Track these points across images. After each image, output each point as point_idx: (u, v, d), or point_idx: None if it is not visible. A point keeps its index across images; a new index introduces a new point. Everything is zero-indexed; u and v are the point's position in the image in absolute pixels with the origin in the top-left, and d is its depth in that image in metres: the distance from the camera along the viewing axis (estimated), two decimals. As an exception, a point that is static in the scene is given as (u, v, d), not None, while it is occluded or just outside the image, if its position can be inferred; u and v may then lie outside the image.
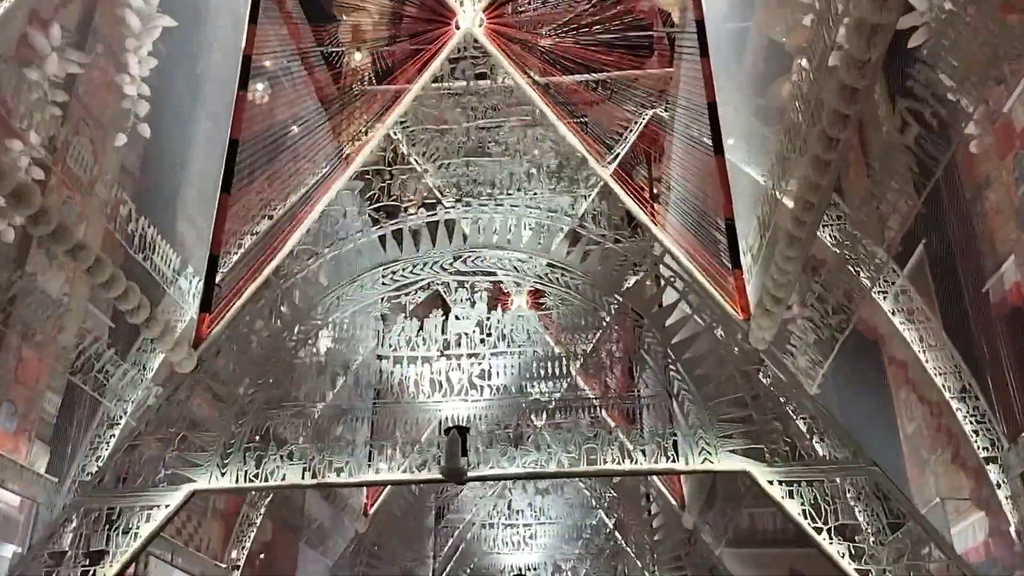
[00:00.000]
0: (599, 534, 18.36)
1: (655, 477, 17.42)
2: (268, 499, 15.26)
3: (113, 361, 9.90)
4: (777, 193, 8.96)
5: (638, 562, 17.30)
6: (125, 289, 9.06)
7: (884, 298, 11.08)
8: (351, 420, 9.84)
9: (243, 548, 15.22)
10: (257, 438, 9.72)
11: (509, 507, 17.93)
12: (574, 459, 9.35)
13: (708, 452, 9.19)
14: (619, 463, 9.29)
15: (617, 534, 18.10)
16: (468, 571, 18.77)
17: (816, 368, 9.80)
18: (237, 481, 9.48)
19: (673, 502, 17.17)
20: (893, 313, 11.03)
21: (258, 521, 15.47)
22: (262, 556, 16.28)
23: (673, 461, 9.25)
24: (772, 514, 15.43)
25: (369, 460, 9.49)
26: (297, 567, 17.19)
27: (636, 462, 9.30)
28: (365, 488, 12.23)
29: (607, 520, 18.07)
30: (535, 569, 18.50)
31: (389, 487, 12.34)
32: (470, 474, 9.27)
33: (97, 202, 9.11)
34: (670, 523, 17.09)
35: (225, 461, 9.55)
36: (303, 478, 9.44)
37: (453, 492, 17.12)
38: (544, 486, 17.80)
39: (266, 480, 9.45)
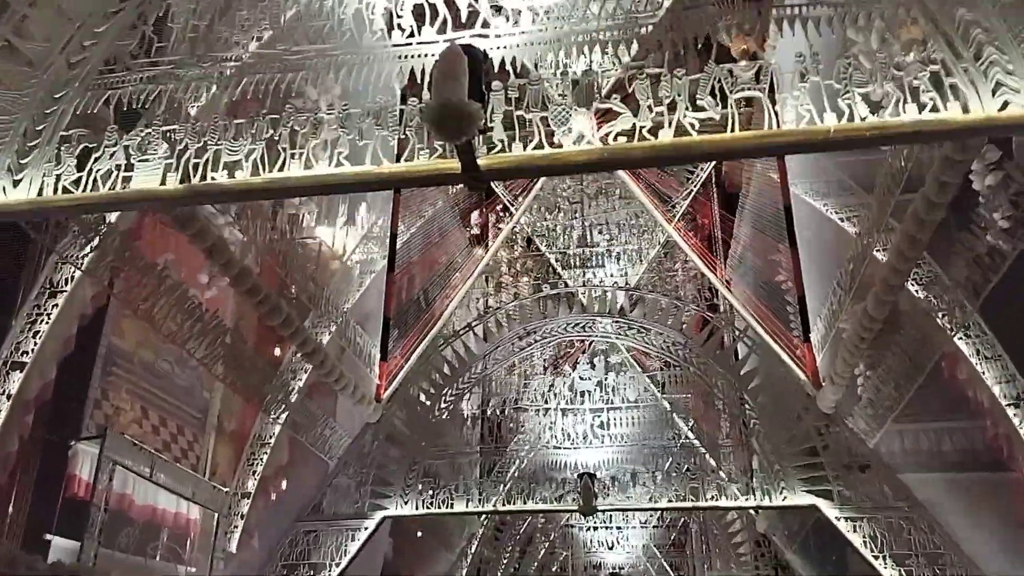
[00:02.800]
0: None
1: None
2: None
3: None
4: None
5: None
6: (340, 374, 12.03)
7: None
8: (502, 461, 12.65)
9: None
10: (430, 474, 12.58)
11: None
12: (679, 495, 11.97)
13: (787, 490, 11.70)
14: (716, 499, 11.87)
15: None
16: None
17: (876, 430, 12.17)
18: (417, 509, 12.39)
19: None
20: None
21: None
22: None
23: (759, 498, 11.78)
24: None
25: (518, 492, 12.28)
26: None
27: (729, 498, 11.86)
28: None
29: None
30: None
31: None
32: (599, 507, 12.00)
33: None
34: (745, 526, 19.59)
35: (406, 493, 12.46)
36: (467, 506, 12.31)
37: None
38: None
39: (439, 508, 12.33)
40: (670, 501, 11.97)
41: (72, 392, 12.74)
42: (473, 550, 19.51)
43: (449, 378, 13.21)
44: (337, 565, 12.10)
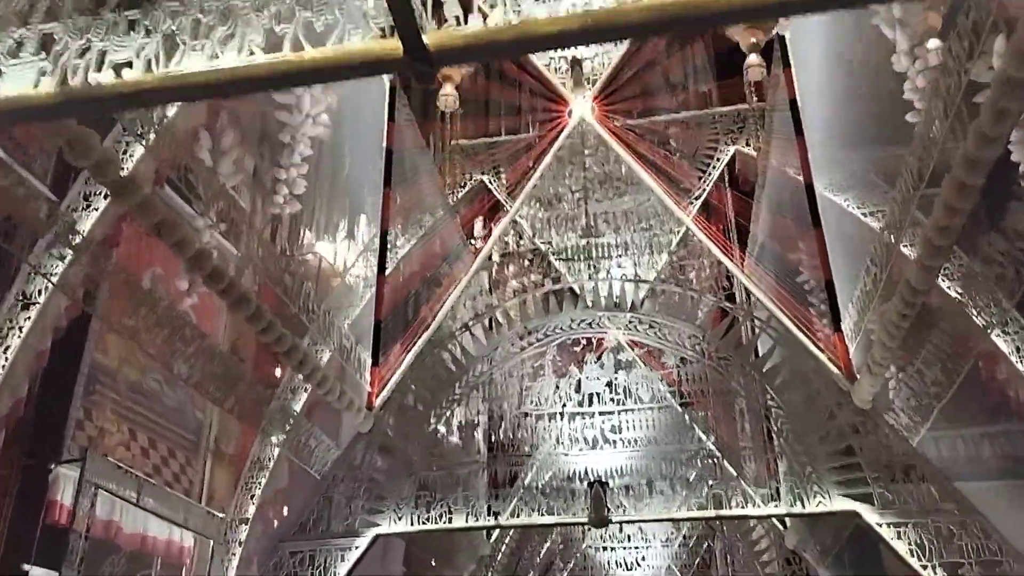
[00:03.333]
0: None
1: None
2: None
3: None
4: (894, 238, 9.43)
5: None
6: (339, 391, 11.04)
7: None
8: (504, 471, 11.53)
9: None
10: (427, 487, 11.49)
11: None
12: (701, 503, 10.80)
13: (822, 496, 10.49)
14: (742, 507, 10.68)
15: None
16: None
17: (921, 424, 10.97)
18: (412, 524, 11.27)
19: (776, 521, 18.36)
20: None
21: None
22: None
23: (791, 504, 10.58)
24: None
25: (524, 504, 11.15)
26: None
27: (757, 506, 10.67)
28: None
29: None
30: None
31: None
32: (612, 519, 10.82)
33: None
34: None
35: (400, 508, 11.35)
36: (467, 521, 11.17)
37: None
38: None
39: (436, 523, 11.21)
40: (690, 510, 10.80)
41: (53, 412, 11.98)
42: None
43: (445, 383, 12.16)
44: (326, 588, 11.00)
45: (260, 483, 14.99)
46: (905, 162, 8.47)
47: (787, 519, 18.00)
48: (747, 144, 15.05)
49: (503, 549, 19.22)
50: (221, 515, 14.69)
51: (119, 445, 13.74)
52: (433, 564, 19.17)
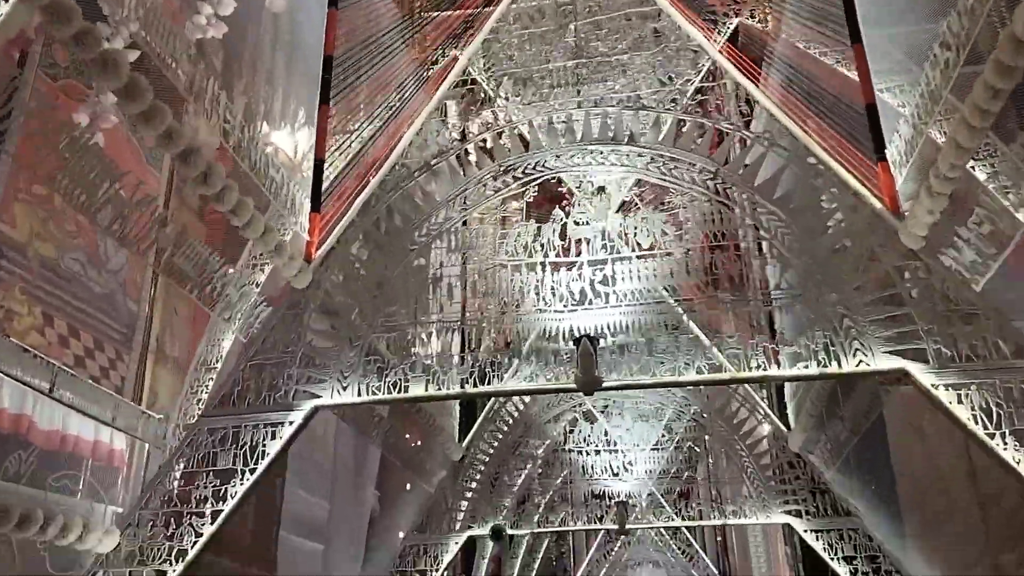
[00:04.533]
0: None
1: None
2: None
3: (227, 277, 9.62)
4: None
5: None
6: (239, 202, 8.69)
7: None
8: (471, 331, 9.40)
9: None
10: (377, 352, 9.38)
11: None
12: (715, 365, 8.76)
13: (864, 353, 8.48)
14: (765, 368, 8.66)
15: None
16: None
17: (987, 262, 8.91)
18: (360, 395, 9.17)
19: (778, 423, 16.59)
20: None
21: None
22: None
23: (825, 365, 8.57)
24: None
25: (494, 370, 9.07)
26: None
27: (784, 367, 8.66)
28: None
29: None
30: None
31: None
32: (604, 384, 8.77)
33: (203, 107, 8.62)
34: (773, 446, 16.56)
35: (346, 376, 9.24)
36: (426, 390, 9.09)
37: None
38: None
39: (389, 393, 9.11)
40: (699, 373, 8.76)
41: (-50, 287, 10.19)
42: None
43: (402, 231, 9.93)
44: (252, 471, 8.92)
45: (207, 386, 12.85)
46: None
47: (792, 418, 16.38)
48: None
49: (477, 455, 17.34)
50: (159, 416, 12.59)
51: (30, 330, 11.67)
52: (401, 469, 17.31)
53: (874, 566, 15.00)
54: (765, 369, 8.66)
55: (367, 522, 18.84)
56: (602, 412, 17.47)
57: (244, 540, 15.16)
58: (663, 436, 17.72)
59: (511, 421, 17.40)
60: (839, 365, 8.53)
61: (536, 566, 29.29)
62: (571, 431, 17.83)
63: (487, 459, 17.45)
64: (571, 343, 8.88)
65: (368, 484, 19.19)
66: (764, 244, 9.13)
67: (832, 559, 15.22)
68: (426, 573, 16.46)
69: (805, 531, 15.66)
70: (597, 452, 17.65)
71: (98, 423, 11.92)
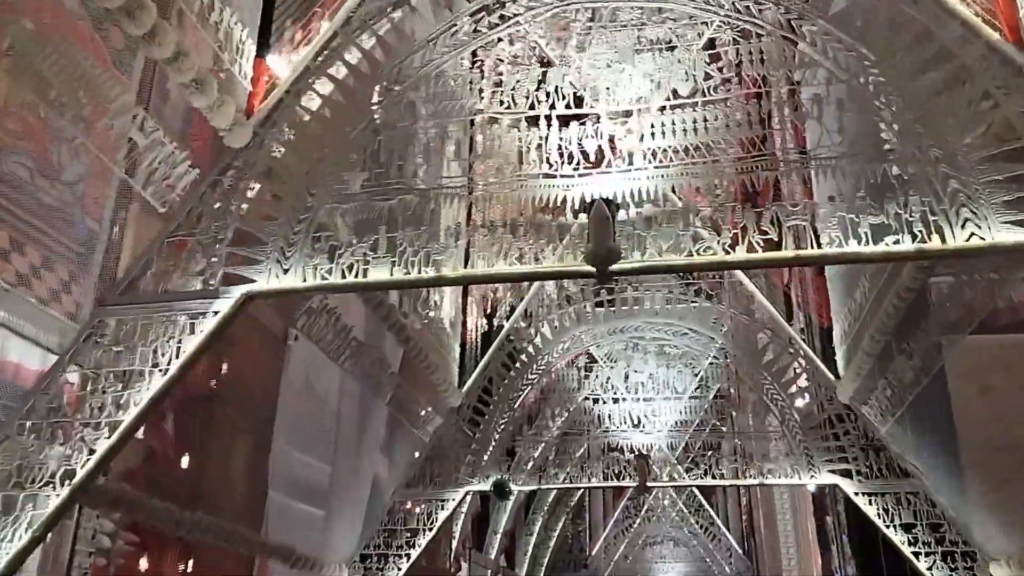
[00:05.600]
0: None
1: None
2: None
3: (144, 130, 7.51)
4: None
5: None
6: (154, 25, 6.57)
7: None
8: (453, 201, 7.23)
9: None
10: (328, 228, 7.26)
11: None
12: (772, 242, 6.52)
13: (976, 223, 6.19)
14: (841, 244, 6.39)
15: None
16: None
17: None
18: (304, 280, 7.04)
19: (824, 369, 14.32)
20: None
21: None
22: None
23: (923, 240, 6.30)
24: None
25: (483, 250, 6.91)
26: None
27: (863, 242, 6.39)
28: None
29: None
30: None
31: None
32: (623, 266, 6.56)
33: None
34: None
35: (288, 255, 7.12)
36: (391, 275, 6.94)
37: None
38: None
39: (343, 278, 6.98)
40: (751, 251, 6.47)
41: None
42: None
43: (368, 78, 7.74)
44: (163, 372, 6.85)
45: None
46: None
47: (841, 364, 14.07)
48: None
49: (478, 403, 15.21)
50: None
51: (-45, 236, 9.65)
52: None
53: (936, 535, 12.69)
54: (841, 245, 6.39)
55: (368, 490, 16.88)
56: (625, 350, 15.21)
57: (235, 498, 13.27)
58: (690, 382, 15.45)
59: (518, 365, 15.24)
60: (942, 239, 6.25)
61: (552, 544, 27.60)
62: (587, 376, 15.62)
63: (490, 407, 15.33)
64: (583, 214, 6.68)
65: (374, 448, 17.21)
66: (843, 90, 6.81)
67: (888, 526, 12.95)
68: (418, 533, 14.43)
69: (856, 494, 13.39)
70: (615, 400, 15.46)
71: (46, 351, 10.02)
